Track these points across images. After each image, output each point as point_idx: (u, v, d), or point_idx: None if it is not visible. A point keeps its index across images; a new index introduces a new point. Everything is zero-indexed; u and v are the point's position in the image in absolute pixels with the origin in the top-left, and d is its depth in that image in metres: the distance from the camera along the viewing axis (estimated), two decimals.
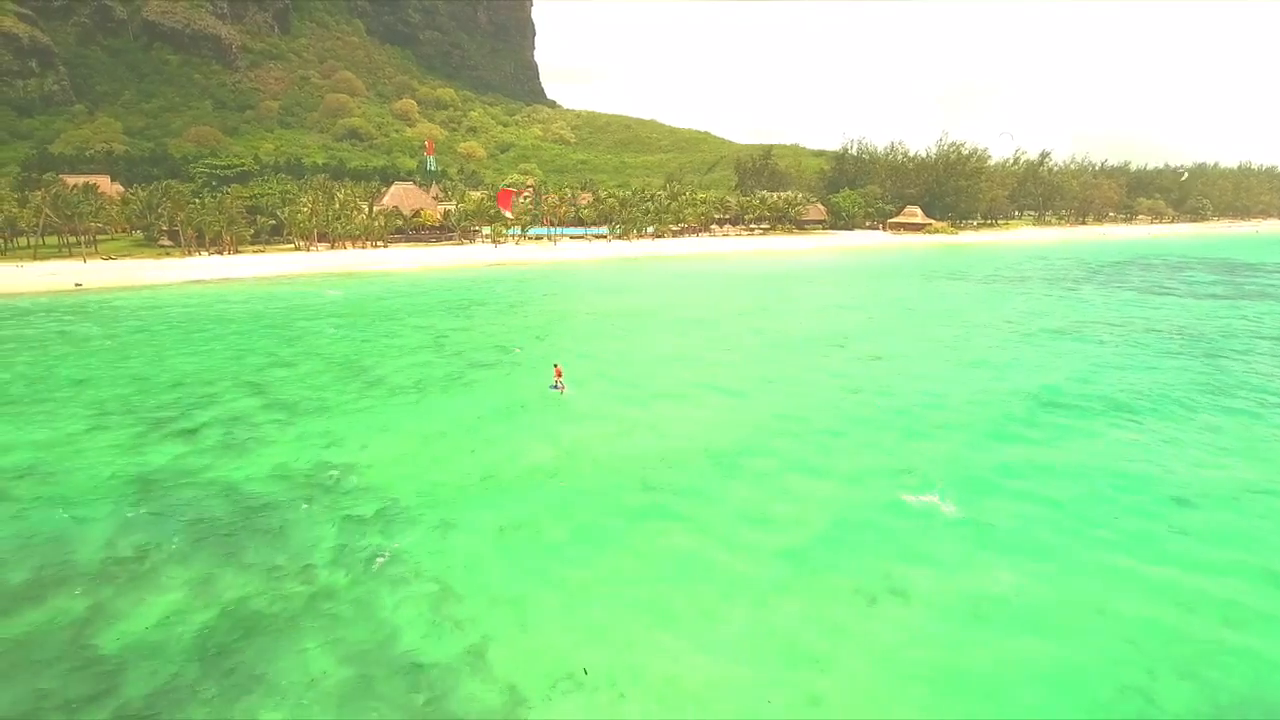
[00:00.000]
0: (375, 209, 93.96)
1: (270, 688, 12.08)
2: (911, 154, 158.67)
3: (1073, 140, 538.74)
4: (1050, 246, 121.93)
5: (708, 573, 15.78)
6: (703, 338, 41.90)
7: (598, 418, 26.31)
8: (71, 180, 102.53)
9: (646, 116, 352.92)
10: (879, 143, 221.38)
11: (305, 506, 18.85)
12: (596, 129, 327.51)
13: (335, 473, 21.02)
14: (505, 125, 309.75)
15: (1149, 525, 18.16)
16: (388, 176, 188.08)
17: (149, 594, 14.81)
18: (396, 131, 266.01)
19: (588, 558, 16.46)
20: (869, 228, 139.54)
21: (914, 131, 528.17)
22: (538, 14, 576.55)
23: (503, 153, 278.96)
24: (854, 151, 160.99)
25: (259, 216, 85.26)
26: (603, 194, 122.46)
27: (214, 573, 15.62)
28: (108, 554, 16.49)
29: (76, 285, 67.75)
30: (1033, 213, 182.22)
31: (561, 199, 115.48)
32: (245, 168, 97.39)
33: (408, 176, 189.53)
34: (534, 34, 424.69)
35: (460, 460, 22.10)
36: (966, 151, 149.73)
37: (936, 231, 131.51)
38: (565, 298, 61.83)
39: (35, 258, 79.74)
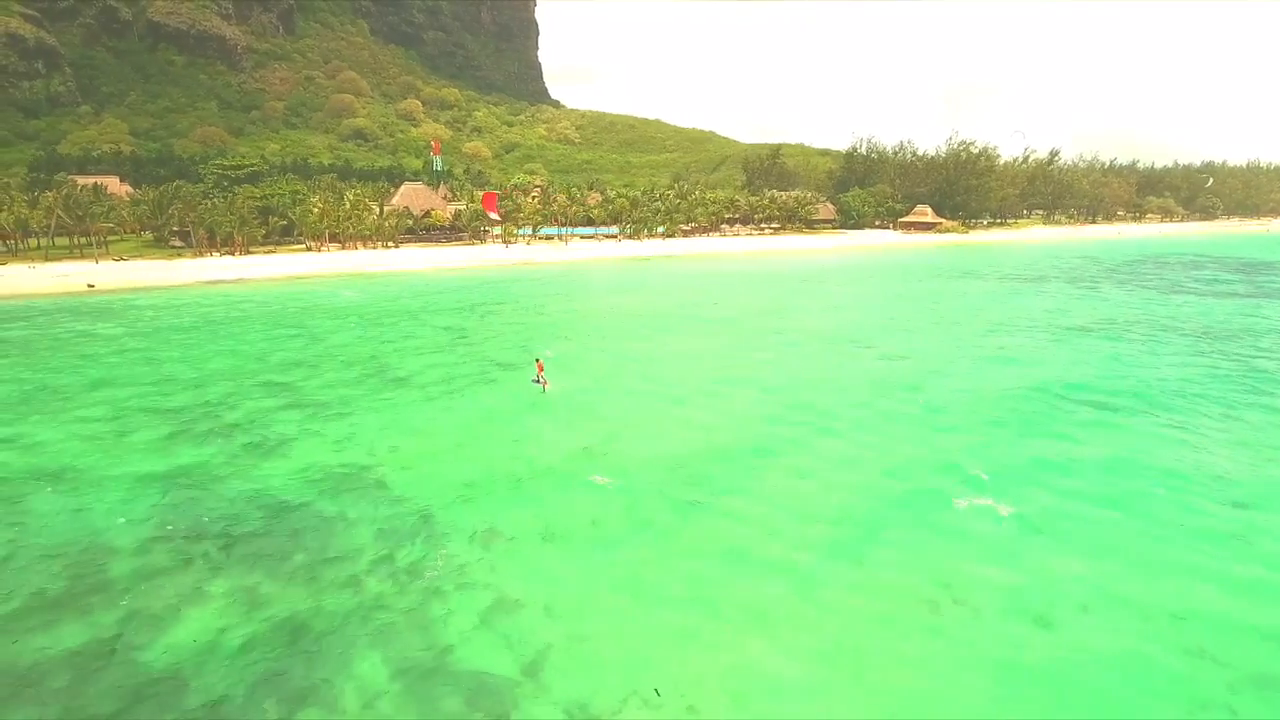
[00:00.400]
0: (385, 209, 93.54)
1: (325, 704, 11.58)
2: (920, 153, 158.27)
3: (1073, 139, 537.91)
4: (1063, 245, 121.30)
5: (765, 572, 15.29)
6: (727, 337, 41.39)
7: (631, 416, 25.84)
8: (80, 181, 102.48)
9: (651, 116, 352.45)
10: (886, 142, 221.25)
11: (343, 511, 18.35)
12: (601, 129, 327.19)
13: (370, 475, 20.55)
14: (510, 125, 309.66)
15: (1209, 522, 17.57)
16: (394, 177, 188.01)
17: (190, 605, 14.32)
18: (401, 132, 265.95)
19: (640, 559, 15.95)
20: (878, 227, 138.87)
21: (919, 130, 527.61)
22: (541, 13, 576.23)
23: (508, 153, 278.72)
24: (863, 150, 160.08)
25: (270, 217, 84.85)
26: (611, 194, 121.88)
27: (256, 582, 15.13)
28: (145, 561, 16.00)
29: (89, 286, 67.55)
30: (1041, 212, 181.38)
31: (571, 199, 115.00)
32: (255, 168, 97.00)
33: (415, 177, 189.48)
34: (538, 34, 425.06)
35: (495, 461, 21.59)
36: (976, 150, 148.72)
37: (947, 231, 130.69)
38: (583, 297, 61.39)
39: (46, 258, 79.56)
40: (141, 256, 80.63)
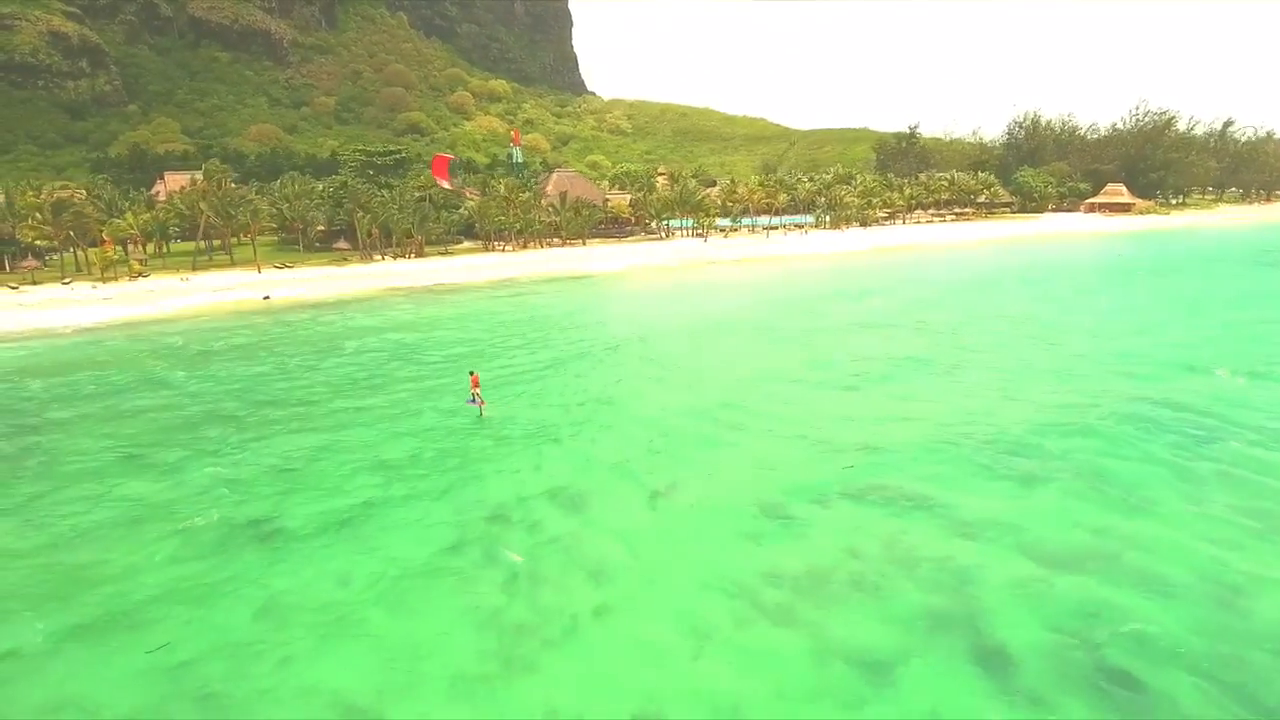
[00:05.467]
0: (544, 201, 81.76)
1: None
2: (1100, 127, 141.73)
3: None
4: None
5: None
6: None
7: None
8: (175, 178, 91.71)
9: (699, 104, 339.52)
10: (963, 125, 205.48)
11: None
12: (651, 118, 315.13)
13: None
14: (558, 117, 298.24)
15: None
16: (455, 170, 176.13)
17: None
18: (455, 125, 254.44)
19: None
20: (1064, 209, 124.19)
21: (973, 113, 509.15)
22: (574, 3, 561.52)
23: (564, 144, 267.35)
24: (1027, 126, 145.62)
25: (440, 212, 73.20)
26: (784, 179, 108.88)
27: None
28: None
29: (265, 299, 56.79)
30: (1212, 190, 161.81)
31: (763, 186, 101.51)
32: (402, 154, 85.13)
33: (486, 170, 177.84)
34: (572, 25, 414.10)
35: None
36: (1165, 119, 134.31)
37: (1145, 212, 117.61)
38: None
39: (194, 268, 68.31)
40: (305, 263, 69.25)
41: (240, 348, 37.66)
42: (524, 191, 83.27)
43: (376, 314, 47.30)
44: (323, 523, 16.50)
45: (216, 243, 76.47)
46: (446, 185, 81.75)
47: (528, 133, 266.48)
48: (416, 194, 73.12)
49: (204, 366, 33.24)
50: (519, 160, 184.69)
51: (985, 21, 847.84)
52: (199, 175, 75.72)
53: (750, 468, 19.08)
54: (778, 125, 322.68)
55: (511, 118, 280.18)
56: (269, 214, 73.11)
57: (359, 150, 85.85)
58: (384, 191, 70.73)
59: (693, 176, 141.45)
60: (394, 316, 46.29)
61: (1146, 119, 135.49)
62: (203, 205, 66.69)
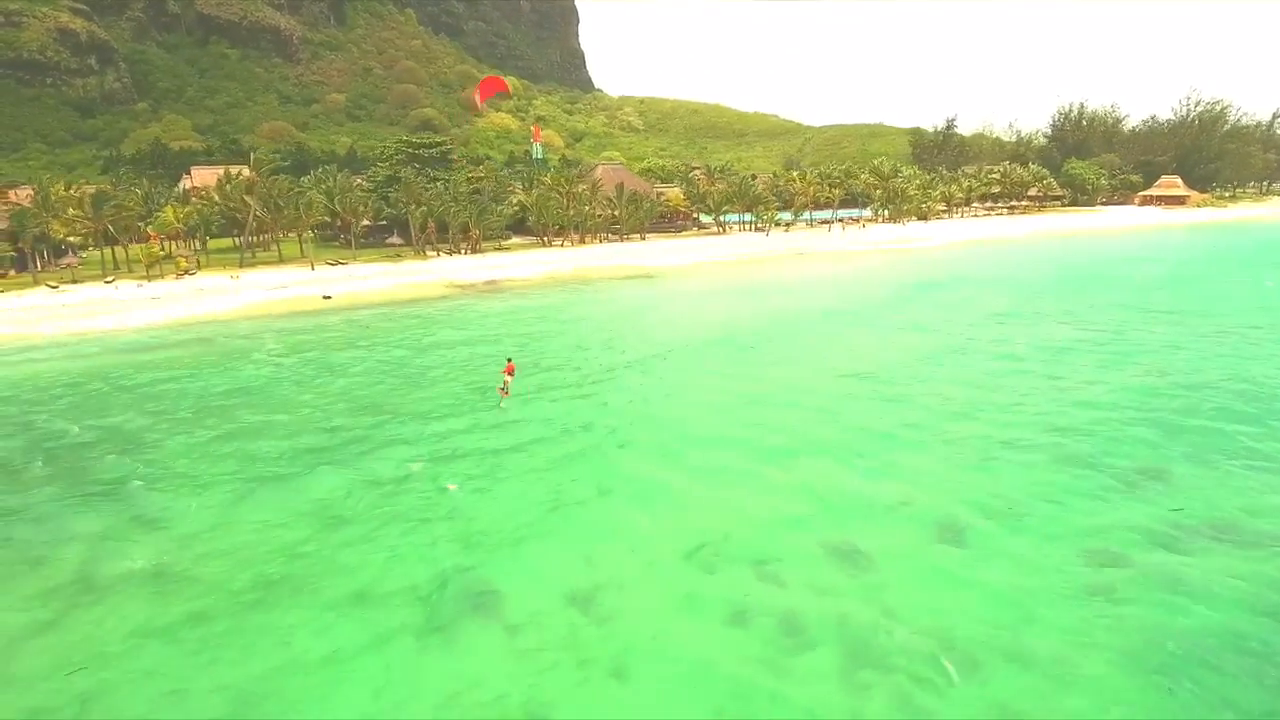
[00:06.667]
0: (601, 194, 78.19)
1: None
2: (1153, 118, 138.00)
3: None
4: None
5: None
6: None
7: None
8: (202, 173, 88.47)
9: (707, 101, 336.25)
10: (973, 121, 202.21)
11: None
12: (663, 115, 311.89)
13: None
14: (569, 114, 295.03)
15: None
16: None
17: None
18: (468, 122, 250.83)
19: None
20: (1115, 202, 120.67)
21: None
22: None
23: (578, 141, 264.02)
24: (1073, 117, 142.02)
25: (494, 205, 69.70)
26: (832, 173, 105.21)
27: None
28: None
29: (325, 298, 53.40)
30: (1254, 184, 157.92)
31: (819, 177, 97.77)
32: (446, 146, 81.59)
33: (503, 168, 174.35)
34: (578, 21, 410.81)
35: None
36: (1218, 110, 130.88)
37: (1201, 205, 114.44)
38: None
39: (242, 265, 64.81)
40: (356, 259, 65.75)
41: (359, 357, 34.36)
42: (579, 183, 79.78)
43: (455, 314, 43.98)
44: None
45: (255, 239, 73.03)
46: (480, 106, 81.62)
47: (543, 129, 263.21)
48: (469, 186, 69.66)
49: (339, 376, 29.85)
50: (539, 156, 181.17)
51: (989, 18, 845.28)
52: (243, 169, 72.05)
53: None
54: (791, 121, 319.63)
55: (523, 114, 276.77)
56: (322, 208, 69.50)
57: (402, 141, 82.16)
58: (436, 184, 67.25)
59: (720, 171, 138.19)
60: (470, 315, 42.98)
61: (1199, 109, 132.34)
62: (249, 199, 63.17)
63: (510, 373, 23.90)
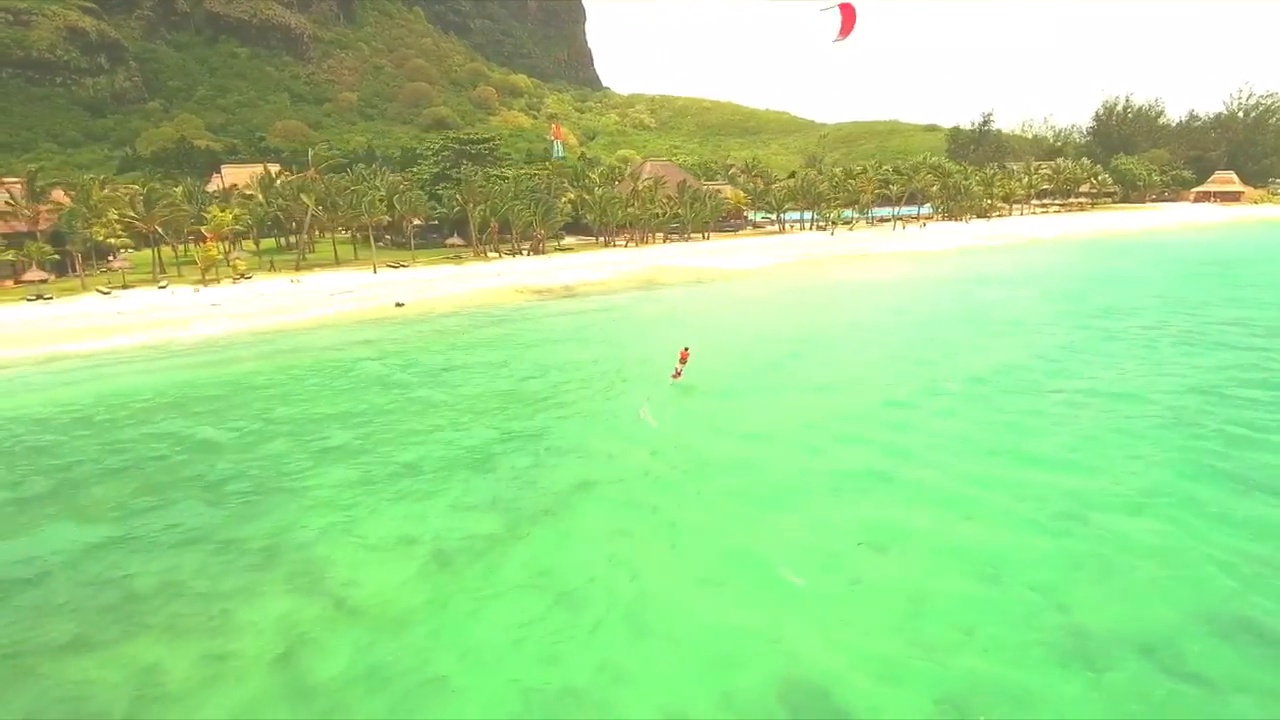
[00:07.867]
0: (661, 193, 75.23)
1: None
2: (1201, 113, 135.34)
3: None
4: None
5: None
6: None
7: None
8: (233, 172, 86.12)
9: (720, 98, 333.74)
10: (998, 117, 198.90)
11: None
12: (674, 112, 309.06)
13: None
14: (581, 112, 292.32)
15: None
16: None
17: None
18: (480, 120, 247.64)
19: None
20: (1157, 199, 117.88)
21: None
22: None
23: (591, 139, 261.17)
24: (1118, 112, 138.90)
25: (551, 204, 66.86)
26: (883, 169, 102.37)
27: None
28: None
29: (398, 305, 50.77)
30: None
31: (876, 175, 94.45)
32: (494, 141, 78.65)
33: (524, 163, 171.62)
34: (585, 19, 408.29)
35: None
36: (1273, 104, 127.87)
37: (1258, 201, 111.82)
38: None
39: (297, 268, 61.89)
40: (416, 261, 62.88)
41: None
42: (631, 181, 77.00)
43: (545, 322, 41.25)
44: None
45: (303, 239, 70.11)
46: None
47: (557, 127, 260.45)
48: (530, 183, 66.86)
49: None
50: (560, 154, 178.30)
51: (995, 16, 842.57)
52: (302, 169, 69.05)
53: None
54: (803, 118, 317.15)
55: (535, 112, 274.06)
56: (382, 207, 66.38)
57: (450, 137, 79.26)
58: (494, 182, 64.38)
59: (743, 169, 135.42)
60: (566, 324, 40.21)
61: (1252, 103, 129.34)
62: (305, 197, 60.28)
63: (684, 360, 25.59)
